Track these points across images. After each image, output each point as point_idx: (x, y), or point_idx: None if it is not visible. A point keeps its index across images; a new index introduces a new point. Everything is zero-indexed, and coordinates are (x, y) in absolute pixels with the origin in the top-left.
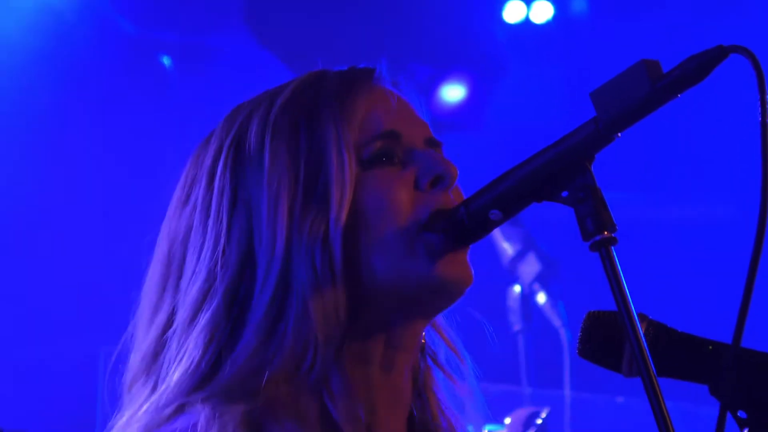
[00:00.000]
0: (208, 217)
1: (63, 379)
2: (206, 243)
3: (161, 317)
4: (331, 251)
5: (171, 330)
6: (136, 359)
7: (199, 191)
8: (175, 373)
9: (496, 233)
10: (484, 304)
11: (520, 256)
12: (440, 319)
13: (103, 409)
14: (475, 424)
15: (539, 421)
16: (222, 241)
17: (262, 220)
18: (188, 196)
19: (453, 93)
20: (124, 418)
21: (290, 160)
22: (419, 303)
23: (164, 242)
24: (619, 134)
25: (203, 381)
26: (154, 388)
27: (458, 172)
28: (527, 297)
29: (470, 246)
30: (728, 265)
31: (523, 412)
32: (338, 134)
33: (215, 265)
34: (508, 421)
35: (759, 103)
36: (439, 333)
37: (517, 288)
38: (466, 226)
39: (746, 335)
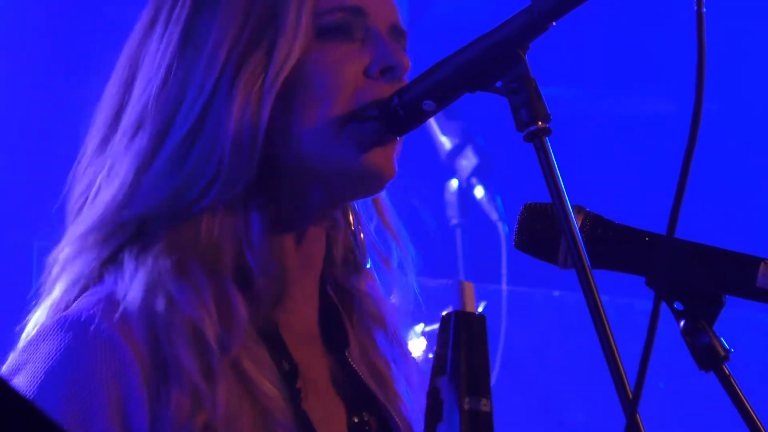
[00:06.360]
0: (164, 47)
1: None
2: (156, 73)
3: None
4: (260, 105)
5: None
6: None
7: (160, 20)
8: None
9: (434, 126)
10: (421, 198)
11: (457, 149)
12: (386, 201)
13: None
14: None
15: None
16: (168, 73)
17: (203, 59)
18: (152, 23)
19: None
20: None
21: (246, 7)
22: (338, 187)
23: (124, 64)
24: (554, 23)
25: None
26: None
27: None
28: (465, 191)
29: (401, 141)
30: (664, 159)
31: None
32: None
33: (156, 97)
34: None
35: None
36: (380, 214)
37: (454, 182)
38: (401, 116)
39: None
